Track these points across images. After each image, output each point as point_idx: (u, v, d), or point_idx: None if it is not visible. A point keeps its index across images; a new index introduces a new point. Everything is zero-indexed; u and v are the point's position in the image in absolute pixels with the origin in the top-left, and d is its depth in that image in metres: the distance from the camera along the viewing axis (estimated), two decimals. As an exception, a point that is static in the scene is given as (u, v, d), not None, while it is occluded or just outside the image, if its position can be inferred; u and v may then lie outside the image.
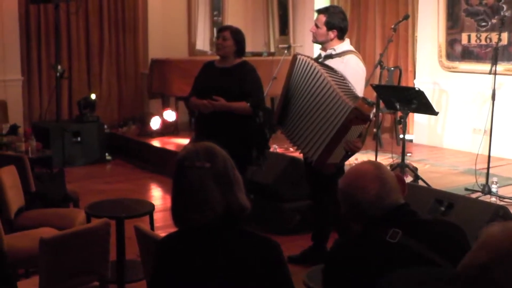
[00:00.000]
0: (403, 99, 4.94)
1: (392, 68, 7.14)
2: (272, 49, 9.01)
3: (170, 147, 7.12)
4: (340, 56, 3.81)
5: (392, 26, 5.51)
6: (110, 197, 5.09)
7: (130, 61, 8.57)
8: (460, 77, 6.76)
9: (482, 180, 4.76)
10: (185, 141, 6.94)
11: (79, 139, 7.23)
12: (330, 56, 3.84)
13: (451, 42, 6.85)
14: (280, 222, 4.79)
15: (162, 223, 4.66)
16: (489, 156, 4.84)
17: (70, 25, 8.01)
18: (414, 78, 7.36)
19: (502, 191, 4.74)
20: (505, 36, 6.03)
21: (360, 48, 7.68)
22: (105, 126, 7.70)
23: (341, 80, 3.66)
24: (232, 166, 1.84)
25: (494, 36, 6.21)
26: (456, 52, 6.81)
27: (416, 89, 5.03)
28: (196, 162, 1.78)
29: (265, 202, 4.84)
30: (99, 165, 7.32)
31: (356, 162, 3.76)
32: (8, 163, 4.06)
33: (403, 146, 5.10)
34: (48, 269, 2.70)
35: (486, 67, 5.35)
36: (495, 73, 4.82)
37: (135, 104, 8.61)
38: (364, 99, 3.54)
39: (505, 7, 6.26)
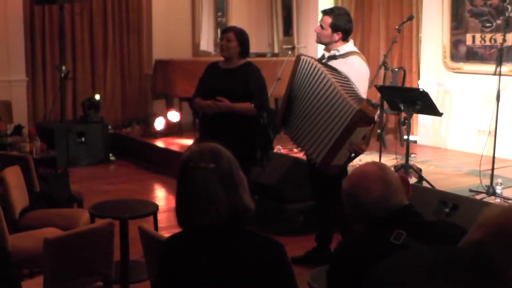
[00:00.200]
0: (407, 100, 4.93)
1: (396, 69, 7.12)
2: (276, 50, 9.01)
3: (174, 148, 7.13)
4: (343, 57, 3.80)
5: (396, 27, 5.51)
6: (114, 197, 5.11)
7: (134, 62, 8.58)
8: (464, 78, 6.73)
9: (486, 182, 4.74)
10: (189, 141, 6.95)
11: (83, 139, 7.26)
12: (333, 57, 3.83)
13: (456, 43, 6.83)
14: (284, 223, 4.79)
15: (166, 224, 4.66)
16: (493, 157, 4.82)
17: (75, 26, 8.03)
18: (418, 79, 7.33)
19: (507, 193, 4.71)
20: (509, 37, 5.99)
21: (364, 49, 7.67)
22: (109, 127, 7.72)
23: (345, 81, 3.65)
24: (237, 166, 1.83)
25: (498, 37, 6.19)
26: (461, 53, 6.79)
27: (420, 90, 5.01)
28: (200, 162, 1.78)
29: (269, 203, 4.84)
30: (103, 165, 7.33)
31: (360, 163, 3.76)
32: (13, 163, 4.08)
33: (407, 147, 5.09)
34: (52, 269, 2.71)
35: (491, 68, 5.34)
36: (499, 74, 4.81)
37: (139, 105, 8.62)
38: (368, 101, 3.53)
39: (509, 7, 6.23)
